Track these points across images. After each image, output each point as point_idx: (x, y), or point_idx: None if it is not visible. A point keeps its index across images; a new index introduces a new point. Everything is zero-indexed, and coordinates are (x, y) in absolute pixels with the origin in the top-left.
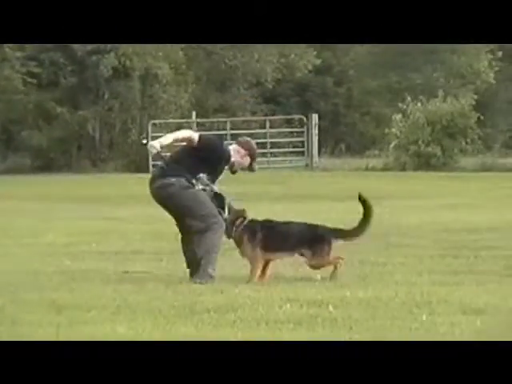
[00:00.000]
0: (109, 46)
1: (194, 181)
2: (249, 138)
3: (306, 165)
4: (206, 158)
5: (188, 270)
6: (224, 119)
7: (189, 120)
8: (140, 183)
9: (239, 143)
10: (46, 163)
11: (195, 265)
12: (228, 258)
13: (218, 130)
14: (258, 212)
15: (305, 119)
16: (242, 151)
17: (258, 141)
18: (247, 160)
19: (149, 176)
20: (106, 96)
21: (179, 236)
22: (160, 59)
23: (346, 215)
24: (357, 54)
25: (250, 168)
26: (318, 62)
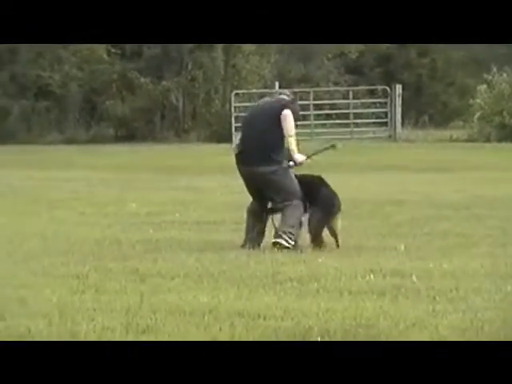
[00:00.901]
0: None
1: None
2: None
3: (389, 136)
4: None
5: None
6: (307, 89)
7: (271, 90)
8: (222, 153)
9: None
10: (129, 133)
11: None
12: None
13: (301, 100)
14: (341, 182)
15: (388, 90)
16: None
17: (341, 111)
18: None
19: (231, 146)
20: (190, 66)
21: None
22: None
23: (429, 186)
24: None
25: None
26: None
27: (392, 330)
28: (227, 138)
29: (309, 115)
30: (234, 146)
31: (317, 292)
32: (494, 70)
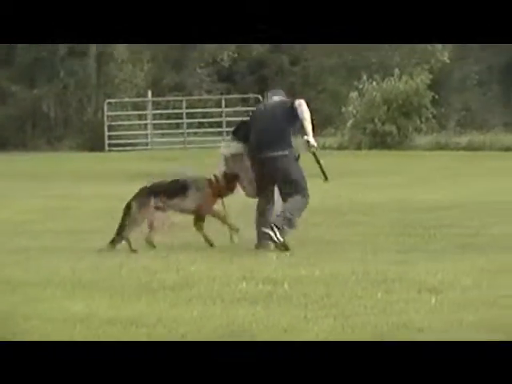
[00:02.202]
0: None
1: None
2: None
3: None
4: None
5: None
6: (180, 98)
7: (144, 99)
8: (95, 161)
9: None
10: (0, 142)
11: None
12: (182, 235)
13: (174, 108)
14: None
15: (261, 98)
16: None
17: (214, 120)
18: None
19: (104, 155)
20: (62, 74)
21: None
22: None
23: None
24: None
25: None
26: None
27: (264, 336)
28: (100, 147)
29: (182, 124)
30: (224, 144)
31: (190, 300)
32: (364, 77)
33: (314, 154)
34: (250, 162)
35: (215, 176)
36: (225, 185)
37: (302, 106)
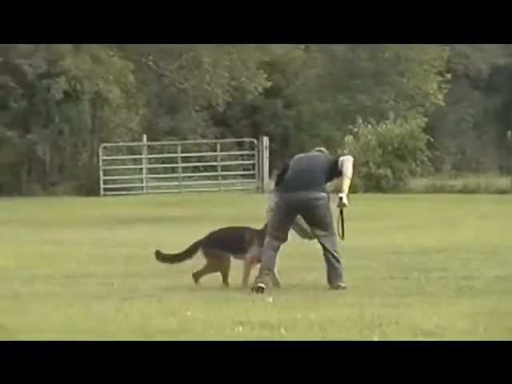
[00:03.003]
0: (59, 69)
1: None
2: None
3: (257, 188)
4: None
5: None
6: (175, 142)
7: (140, 143)
8: (90, 207)
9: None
10: None
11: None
12: (178, 279)
13: (169, 152)
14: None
15: (255, 142)
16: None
17: (209, 164)
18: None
19: (99, 199)
20: (57, 119)
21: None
22: (111, 82)
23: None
24: (306, 77)
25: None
26: (268, 84)
27: None
28: (95, 191)
29: (177, 168)
30: (268, 184)
31: None
32: (360, 121)
33: (341, 212)
34: (278, 199)
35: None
36: None
37: (349, 162)
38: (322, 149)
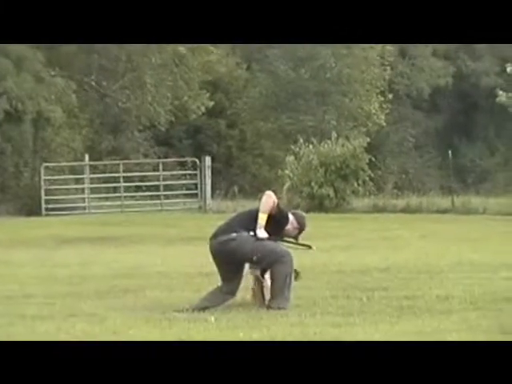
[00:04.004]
0: (0, 88)
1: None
2: (305, 215)
3: (200, 207)
4: (276, 223)
5: None
6: (117, 162)
7: (82, 163)
8: (33, 226)
9: (295, 216)
10: None
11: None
12: (120, 299)
13: (111, 172)
14: (149, 254)
15: (198, 162)
16: (295, 224)
17: (151, 183)
18: (295, 232)
19: (41, 219)
20: None
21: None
22: (53, 102)
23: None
24: (249, 97)
25: (294, 238)
26: (211, 104)
27: None
28: (37, 211)
29: (119, 187)
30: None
31: None
32: (301, 141)
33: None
34: None
35: None
36: None
37: (265, 197)
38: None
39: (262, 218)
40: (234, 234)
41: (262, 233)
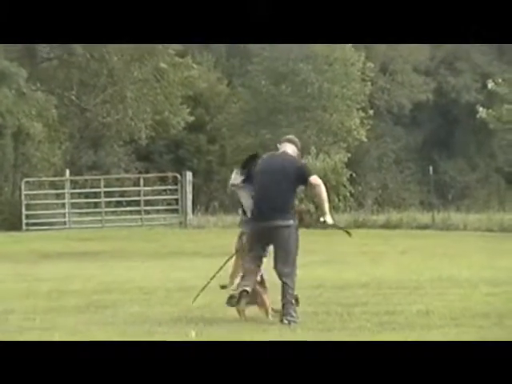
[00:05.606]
0: None
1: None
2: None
3: (180, 222)
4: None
5: None
6: (97, 177)
7: (62, 178)
8: (13, 241)
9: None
10: None
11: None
12: (100, 314)
13: (92, 187)
14: (129, 269)
15: (179, 177)
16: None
17: (132, 199)
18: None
19: (22, 234)
20: None
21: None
22: (33, 117)
23: (222, 271)
24: (229, 112)
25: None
26: (192, 119)
27: None
28: (17, 226)
29: (99, 203)
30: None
31: None
32: None
33: (330, 226)
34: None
35: None
36: None
37: (321, 188)
38: (291, 138)
39: (327, 207)
40: (291, 222)
41: (330, 219)
